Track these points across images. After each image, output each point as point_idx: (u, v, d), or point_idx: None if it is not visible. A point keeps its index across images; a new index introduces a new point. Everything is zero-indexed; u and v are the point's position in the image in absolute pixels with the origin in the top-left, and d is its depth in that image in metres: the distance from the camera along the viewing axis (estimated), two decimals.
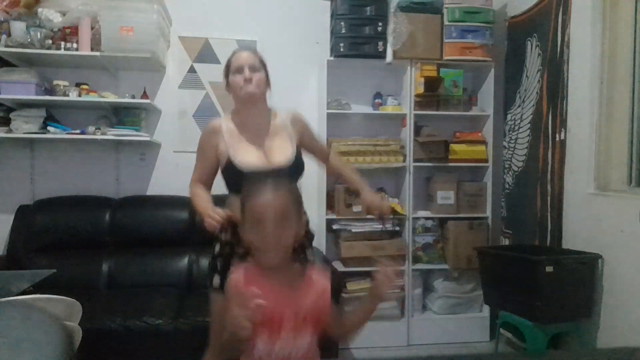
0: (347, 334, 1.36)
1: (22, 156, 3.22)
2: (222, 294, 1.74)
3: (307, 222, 1.91)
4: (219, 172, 1.87)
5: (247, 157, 1.79)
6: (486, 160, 3.38)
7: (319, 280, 1.29)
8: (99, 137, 2.96)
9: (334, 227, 3.25)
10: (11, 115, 2.90)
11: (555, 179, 2.74)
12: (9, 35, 2.85)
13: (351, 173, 2.12)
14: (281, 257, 1.23)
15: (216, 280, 1.87)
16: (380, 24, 3.16)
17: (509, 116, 3.28)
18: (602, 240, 2.40)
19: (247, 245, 1.27)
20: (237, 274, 1.26)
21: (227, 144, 1.82)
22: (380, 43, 3.17)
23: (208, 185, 1.92)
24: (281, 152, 1.83)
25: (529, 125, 3.03)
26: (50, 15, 2.96)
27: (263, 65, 1.87)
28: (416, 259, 3.31)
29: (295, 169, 1.86)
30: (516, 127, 3.18)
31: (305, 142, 1.95)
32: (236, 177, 1.76)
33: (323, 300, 1.26)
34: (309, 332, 1.24)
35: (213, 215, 1.67)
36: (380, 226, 2.97)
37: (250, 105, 1.84)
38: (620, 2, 2.44)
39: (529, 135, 3.03)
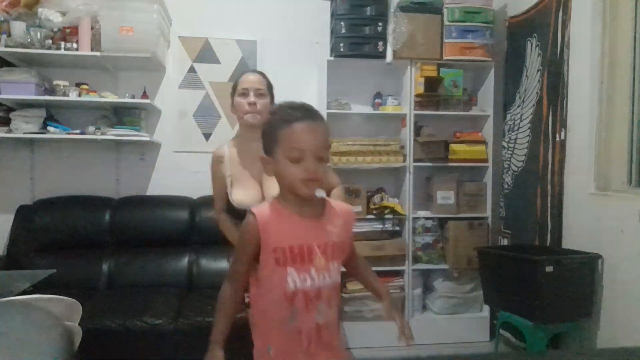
0: (354, 275, 1.42)
1: (22, 156, 3.22)
2: None
3: None
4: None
5: (245, 193, 1.81)
6: (486, 160, 3.37)
7: (343, 208, 1.31)
8: (99, 137, 2.96)
9: None
10: (11, 115, 2.90)
11: (555, 179, 2.74)
12: (9, 35, 2.85)
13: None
14: (317, 188, 1.23)
15: None
16: (380, 24, 3.16)
17: (508, 116, 3.28)
18: (602, 240, 2.40)
19: (282, 182, 1.23)
20: (262, 210, 1.23)
21: (229, 174, 1.85)
22: (380, 43, 3.17)
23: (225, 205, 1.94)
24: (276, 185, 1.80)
25: (528, 125, 3.03)
26: (50, 15, 2.96)
27: (269, 90, 1.88)
28: (416, 259, 3.31)
29: None
30: (516, 127, 3.18)
31: None
32: (233, 211, 1.83)
33: (347, 228, 1.29)
34: (338, 262, 1.26)
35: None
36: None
37: (252, 131, 1.83)
38: (620, 2, 2.44)
39: (528, 135, 3.03)
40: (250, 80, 1.85)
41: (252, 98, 1.81)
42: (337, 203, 1.34)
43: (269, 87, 1.89)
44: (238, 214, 1.79)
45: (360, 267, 1.43)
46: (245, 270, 1.25)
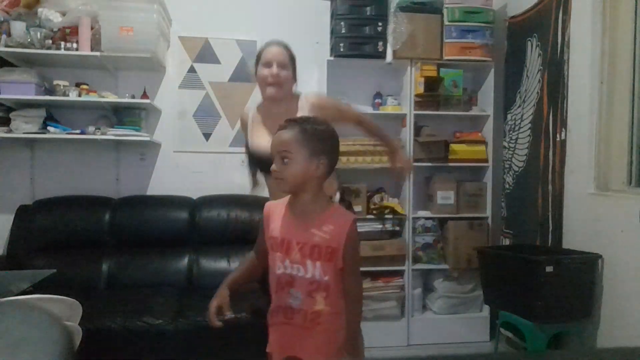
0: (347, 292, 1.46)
1: (22, 156, 3.22)
2: None
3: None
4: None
5: (260, 140, 1.91)
6: (486, 160, 3.38)
7: (340, 219, 1.41)
8: (99, 137, 2.96)
9: None
10: (11, 115, 2.90)
11: (556, 179, 2.74)
12: (9, 35, 2.85)
13: (381, 132, 2.20)
14: (285, 189, 1.42)
15: None
16: (380, 24, 3.16)
17: (509, 116, 3.28)
18: (602, 240, 2.40)
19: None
20: (272, 204, 1.53)
21: (249, 129, 1.97)
22: (380, 43, 3.17)
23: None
24: None
25: (529, 125, 3.03)
26: (50, 15, 2.96)
27: (292, 61, 1.95)
28: (416, 259, 3.31)
29: None
30: (517, 127, 3.18)
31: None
32: (251, 159, 1.97)
33: (338, 237, 1.38)
34: (320, 263, 1.38)
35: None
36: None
37: (273, 101, 1.93)
38: (620, 2, 2.44)
39: (529, 135, 3.03)
40: (273, 52, 1.90)
41: (275, 70, 1.86)
42: (342, 213, 1.46)
43: (292, 59, 1.95)
44: (257, 161, 1.94)
45: (346, 296, 1.44)
46: (263, 244, 1.50)
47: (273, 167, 1.39)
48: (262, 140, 1.90)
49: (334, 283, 1.40)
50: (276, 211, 1.48)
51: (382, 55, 3.18)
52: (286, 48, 1.94)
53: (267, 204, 1.53)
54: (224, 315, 1.50)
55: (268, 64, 1.87)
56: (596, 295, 2.42)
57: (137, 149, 3.32)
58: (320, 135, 1.40)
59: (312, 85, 3.46)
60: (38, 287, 1.70)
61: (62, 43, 2.91)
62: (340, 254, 1.38)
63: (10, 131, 2.90)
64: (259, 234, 1.55)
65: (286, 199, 1.48)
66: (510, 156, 3.25)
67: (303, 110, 1.96)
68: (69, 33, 2.96)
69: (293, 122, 1.41)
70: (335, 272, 1.39)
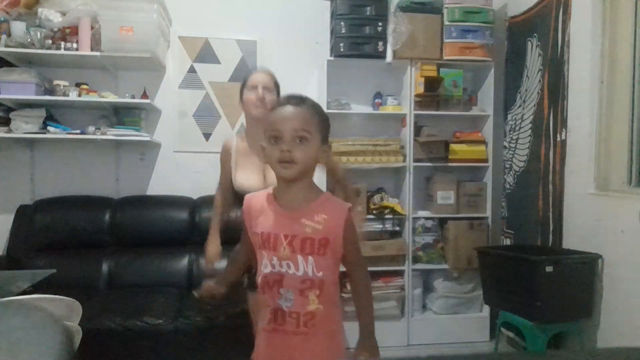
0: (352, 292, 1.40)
1: (22, 156, 3.22)
2: None
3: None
4: None
5: (246, 179, 1.95)
6: (486, 160, 3.37)
7: (335, 207, 1.31)
8: (99, 137, 2.96)
9: None
10: (11, 115, 2.90)
11: (556, 179, 2.74)
12: (9, 35, 2.85)
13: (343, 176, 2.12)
14: (294, 174, 1.26)
15: None
16: (380, 24, 3.16)
17: (509, 116, 3.28)
18: (602, 240, 2.40)
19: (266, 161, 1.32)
20: (252, 196, 1.39)
21: (234, 162, 1.98)
22: (380, 43, 3.17)
23: (229, 190, 2.07)
24: None
25: (530, 125, 3.03)
26: (50, 15, 2.96)
27: (276, 87, 2.02)
28: (416, 259, 3.31)
29: None
30: (517, 127, 3.18)
31: None
32: (234, 194, 1.97)
33: (334, 228, 1.27)
34: (312, 257, 1.26)
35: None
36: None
37: (258, 124, 1.93)
38: (620, 2, 2.44)
39: (530, 135, 3.03)
40: (259, 77, 1.98)
41: (260, 92, 1.93)
42: (334, 201, 1.35)
43: (276, 85, 2.02)
44: (242, 198, 1.89)
45: (355, 290, 1.38)
46: (247, 235, 1.40)
47: (284, 147, 1.23)
48: (252, 177, 1.93)
49: (328, 279, 1.28)
50: (257, 204, 1.35)
51: (382, 55, 3.18)
52: (271, 75, 2.03)
53: (247, 197, 1.39)
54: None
55: (254, 87, 1.95)
56: (596, 295, 2.41)
57: (137, 149, 3.32)
58: (327, 120, 1.34)
59: (312, 85, 3.46)
60: (38, 287, 1.70)
61: (62, 43, 2.91)
62: (335, 246, 1.27)
63: (10, 131, 2.90)
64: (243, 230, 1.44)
65: (266, 190, 1.37)
66: (511, 156, 3.25)
67: None
68: (69, 33, 2.96)
69: (303, 101, 1.29)
70: (329, 266, 1.28)
